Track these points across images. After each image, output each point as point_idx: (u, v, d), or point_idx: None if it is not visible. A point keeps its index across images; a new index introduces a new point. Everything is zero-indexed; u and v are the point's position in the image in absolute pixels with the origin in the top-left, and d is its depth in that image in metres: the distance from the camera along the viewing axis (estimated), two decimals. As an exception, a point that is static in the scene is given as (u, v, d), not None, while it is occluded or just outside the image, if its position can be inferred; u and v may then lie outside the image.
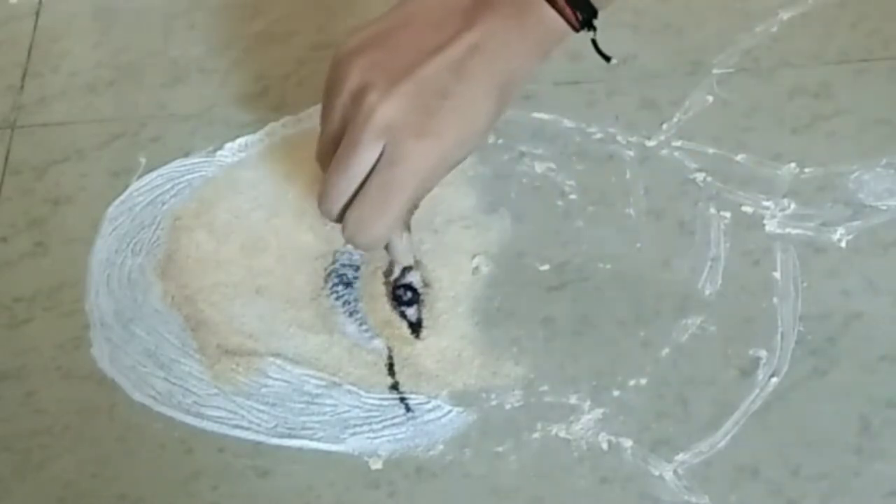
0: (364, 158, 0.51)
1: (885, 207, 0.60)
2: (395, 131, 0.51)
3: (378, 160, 0.51)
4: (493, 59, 0.51)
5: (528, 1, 0.52)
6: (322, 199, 0.54)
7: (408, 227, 0.57)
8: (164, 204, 0.65)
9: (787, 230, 0.60)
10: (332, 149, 0.54)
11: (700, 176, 0.62)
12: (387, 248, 0.58)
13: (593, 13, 0.53)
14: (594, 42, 0.55)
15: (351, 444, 0.56)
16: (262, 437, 0.56)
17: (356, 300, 0.60)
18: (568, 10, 0.52)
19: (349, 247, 0.61)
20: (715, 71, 0.66)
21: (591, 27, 0.53)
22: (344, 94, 0.52)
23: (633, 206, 0.62)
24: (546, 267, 0.60)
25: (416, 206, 0.55)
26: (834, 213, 0.60)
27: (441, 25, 0.52)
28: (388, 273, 0.60)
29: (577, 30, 0.53)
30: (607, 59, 0.56)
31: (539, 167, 0.64)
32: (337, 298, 0.60)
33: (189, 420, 0.57)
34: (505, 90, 0.52)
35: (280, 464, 0.55)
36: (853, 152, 0.62)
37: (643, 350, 0.57)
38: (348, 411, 0.57)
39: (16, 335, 0.61)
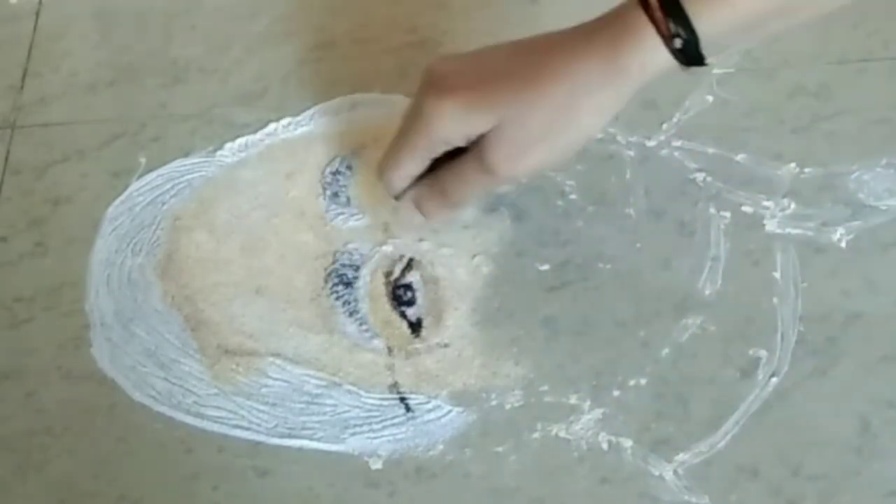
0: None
1: (885, 207, 0.60)
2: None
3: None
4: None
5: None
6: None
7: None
8: (164, 204, 0.65)
9: (787, 230, 0.60)
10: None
11: (700, 176, 0.62)
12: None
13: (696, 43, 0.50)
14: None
15: (351, 444, 0.56)
16: (262, 437, 0.56)
17: (356, 300, 0.60)
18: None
19: (349, 246, 0.61)
20: (715, 71, 0.66)
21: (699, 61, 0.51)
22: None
23: (633, 206, 0.62)
24: (546, 267, 0.60)
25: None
26: (834, 213, 0.60)
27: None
28: (388, 273, 0.60)
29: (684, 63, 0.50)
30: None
31: (539, 167, 0.63)
32: (337, 298, 0.60)
33: (189, 420, 0.57)
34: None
35: (280, 464, 0.55)
36: (853, 152, 0.62)
37: (643, 350, 0.57)
38: (348, 411, 0.57)
39: (16, 335, 0.61)
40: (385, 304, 0.59)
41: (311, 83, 0.69)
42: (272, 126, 0.67)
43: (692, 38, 0.49)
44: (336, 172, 0.64)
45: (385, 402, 0.57)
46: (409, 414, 0.56)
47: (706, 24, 0.49)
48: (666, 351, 0.57)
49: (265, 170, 0.65)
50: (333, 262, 0.61)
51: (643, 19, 0.49)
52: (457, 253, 0.61)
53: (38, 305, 0.62)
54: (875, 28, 0.67)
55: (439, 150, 0.54)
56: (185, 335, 0.60)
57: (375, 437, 0.56)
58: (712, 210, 0.61)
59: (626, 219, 0.61)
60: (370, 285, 0.60)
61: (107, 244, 0.64)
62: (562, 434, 0.55)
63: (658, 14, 0.49)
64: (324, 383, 0.57)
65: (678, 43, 0.49)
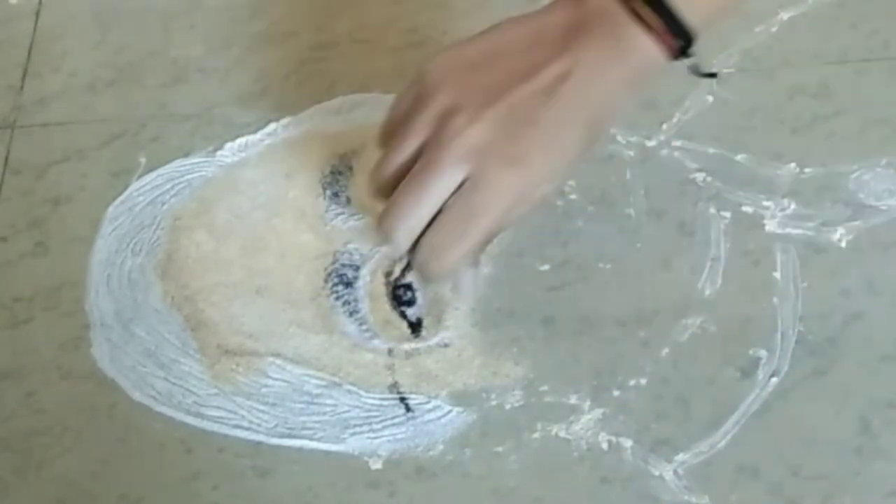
0: (447, 182, 0.49)
1: (885, 207, 0.60)
2: (483, 156, 0.48)
3: (459, 186, 0.49)
4: (584, 89, 0.49)
5: (623, 29, 0.49)
6: (393, 221, 0.50)
7: (477, 262, 0.54)
8: (164, 204, 0.65)
9: (787, 230, 0.60)
10: (403, 169, 0.51)
11: (700, 176, 0.62)
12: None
13: (690, 40, 0.49)
14: (693, 68, 0.51)
15: (351, 444, 0.56)
16: (262, 437, 0.56)
17: (356, 300, 0.60)
18: (668, 38, 0.49)
19: (350, 246, 0.61)
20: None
21: (688, 55, 0.50)
22: (428, 113, 0.50)
23: (633, 206, 0.62)
24: (546, 267, 0.60)
25: (490, 240, 0.51)
26: (834, 213, 0.60)
27: (532, 51, 0.50)
28: (388, 273, 0.60)
29: (674, 58, 0.50)
30: (713, 75, 0.52)
31: (539, 167, 0.63)
32: (337, 298, 0.60)
33: (189, 420, 0.57)
34: (596, 121, 0.50)
35: (280, 464, 0.55)
36: (853, 152, 0.62)
37: (643, 350, 0.57)
38: (348, 411, 0.57)
39: (16, 335, 0.61)
40: (385, 304, 0.59)
41: (311, 83, 0.69)
42: (272, 126, 0.67)
43: (690, 40, 0.49)
44: (336, 172, 0.64)
45: (385, 402, 0.57)
46: (409, 414, 0.56)
47: (698, 21, 0.49)
48: (666, 351, 0.57)
49: (265, 170, 0.65)
50: (333, 262, 0.61)
51: (635, 30, 0.49)
52: (457, 253, 0.61)
53: (38, 305, 0.62)
54: (875, 28, 0.68)
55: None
56: (185, 335, 0.60)
57: (375, 437, 0.56)
58: (712, 210, 0.61)
59: (626, 219, 0.61)
60: (370, 285, 0.60)
61: (107, 244, 0.64)
62: (562, 434, 0.55)
63: (660, 28, 0.49)
64: (324, 383, 0.57)
65: (689, 61, 0.50)
